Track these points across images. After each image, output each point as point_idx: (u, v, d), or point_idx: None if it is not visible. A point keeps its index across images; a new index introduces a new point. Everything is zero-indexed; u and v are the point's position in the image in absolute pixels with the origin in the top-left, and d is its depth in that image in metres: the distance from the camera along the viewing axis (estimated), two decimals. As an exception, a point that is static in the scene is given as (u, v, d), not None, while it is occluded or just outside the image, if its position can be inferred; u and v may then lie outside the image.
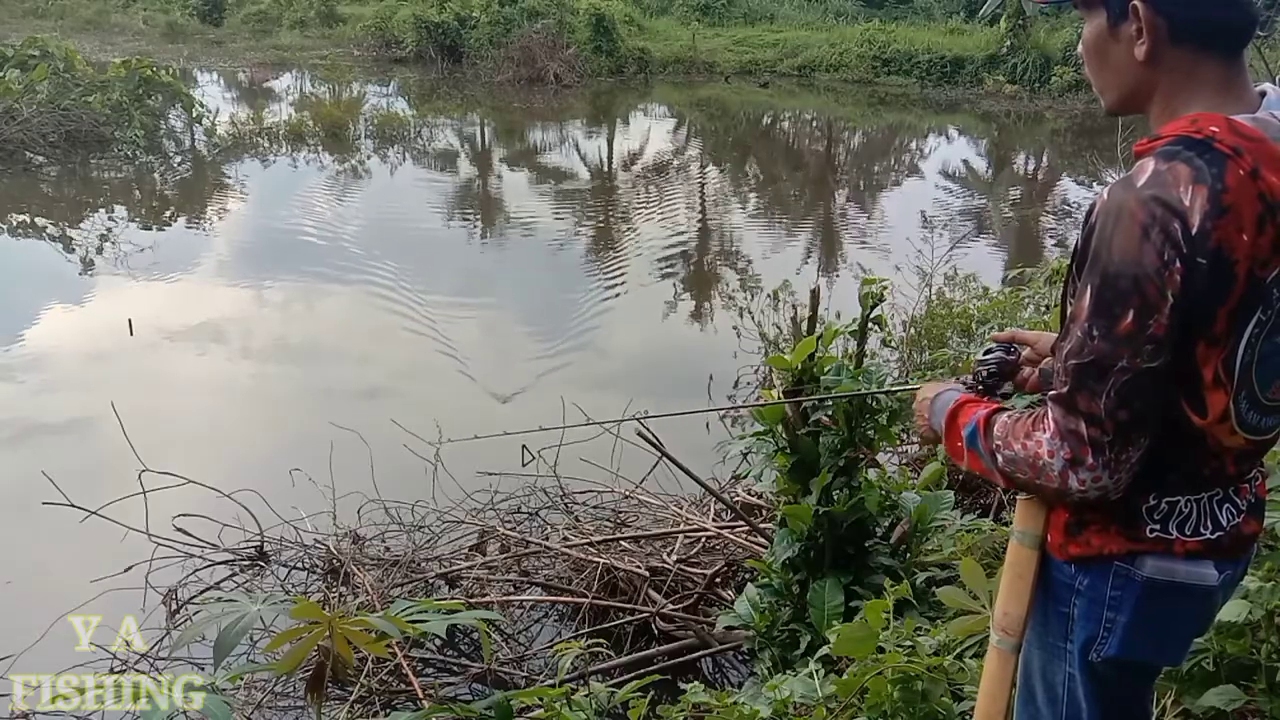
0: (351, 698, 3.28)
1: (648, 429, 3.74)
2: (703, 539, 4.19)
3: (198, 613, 3.83)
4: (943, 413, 1.56)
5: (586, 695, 2.21)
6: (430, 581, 4.10)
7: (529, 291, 8.84)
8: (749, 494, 4.49)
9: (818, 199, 13.30)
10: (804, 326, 3.09)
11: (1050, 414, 1.33)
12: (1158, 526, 1.37)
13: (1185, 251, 1.21)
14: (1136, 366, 1.25)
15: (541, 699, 2.25)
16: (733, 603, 3.32)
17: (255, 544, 4.33)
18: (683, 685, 2.63)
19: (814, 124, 19.42)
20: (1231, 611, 1.93)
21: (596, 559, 3.96)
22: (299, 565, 4.31)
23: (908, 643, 2.10)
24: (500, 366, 7.07)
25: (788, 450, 2.97)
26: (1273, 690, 2.03)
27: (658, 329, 7.75)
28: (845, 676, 2.12)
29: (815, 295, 3.18)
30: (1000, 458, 1.40)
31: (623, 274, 9.50)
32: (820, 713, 2.15)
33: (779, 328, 6.46)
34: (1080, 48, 1.44)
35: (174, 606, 4.00)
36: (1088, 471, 1.30)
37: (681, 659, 3.61)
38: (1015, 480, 1.39)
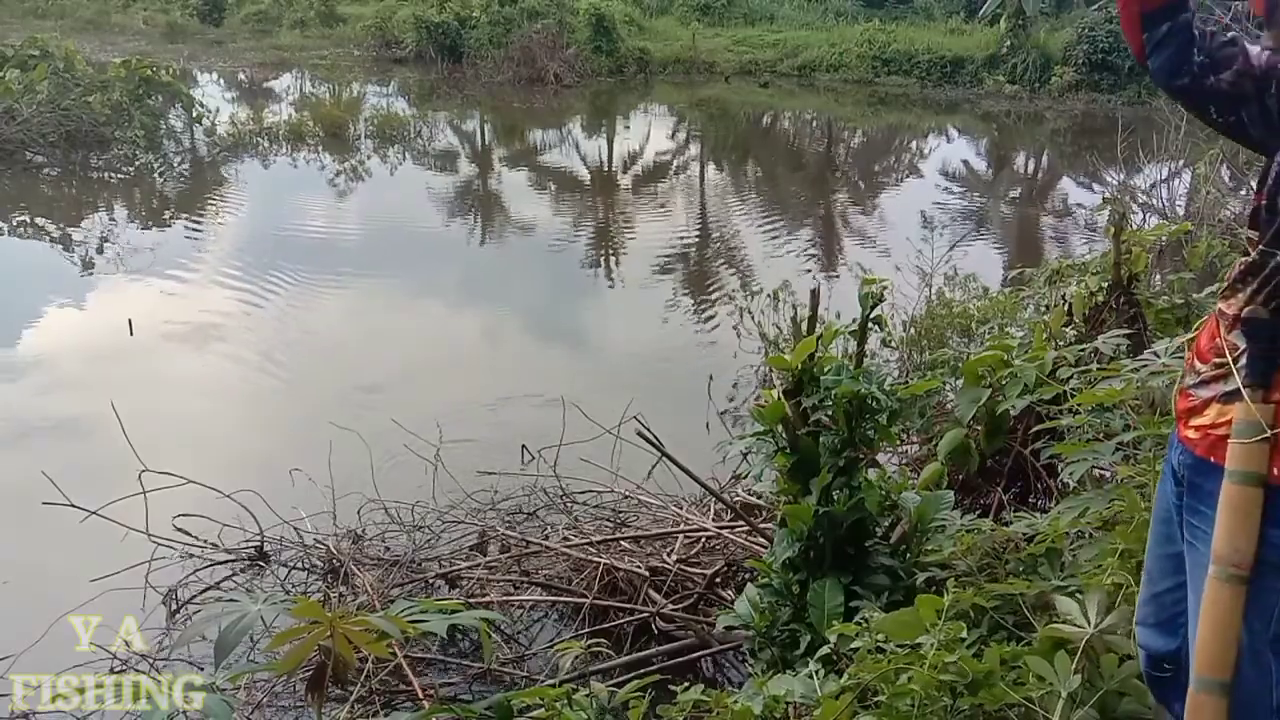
0: (351, 698, 3.27)
1: (648, 429, 3.74)
2: (703, 539, 4.18)
3: (198, 613, 3.83)
4: None
5: (587, 695, 2.21)
6: (430, 581, 4.09)
7: (528, 291, 8.84)
8: (749, 494, 4.48)
9: (818, 199, 13.30)
10: (804, 326, 3.09)
11: None
12: None
13: None
14: None
15: (542, 699, 2.25)
16: (733, 603, 3.31)
17: (255, 544, 4.33)
18: (684, 684, 2.63)
19: (814, 124, 19.42)
20: None
21: (596, 559, 3.96)
22: (299, 565, 4.31)
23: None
24: (500, 366, 7.07)
25: (788, 450, 2.97)
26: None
27: (657, 328, 7.74)
28: (880, 662, 2.06)
29: (815, 295, 3.18)
30: None
31: (622, 273, 9.51)
32: (833, 705, 2.11)
33: (779, 328, 6.46)
34: None
35: (174, 606, 4.01)
36: None
37: (681, 659, 3.60)
38: None
